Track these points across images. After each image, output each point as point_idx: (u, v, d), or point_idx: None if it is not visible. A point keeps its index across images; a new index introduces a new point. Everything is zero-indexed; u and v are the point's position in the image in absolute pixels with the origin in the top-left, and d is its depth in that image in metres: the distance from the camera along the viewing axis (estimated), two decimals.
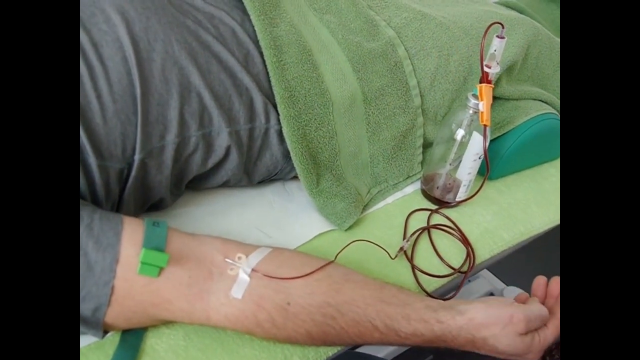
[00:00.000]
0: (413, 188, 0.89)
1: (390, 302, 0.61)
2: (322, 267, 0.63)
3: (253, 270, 0.60)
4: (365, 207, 0.83)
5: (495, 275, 1.55)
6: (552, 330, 0.63)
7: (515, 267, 1.57)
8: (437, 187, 0.85)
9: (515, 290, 1.47)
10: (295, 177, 0.81)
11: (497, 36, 0.73)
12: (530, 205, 0.91)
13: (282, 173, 0.80)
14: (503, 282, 1.53)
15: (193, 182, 0.74)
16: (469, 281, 1.49)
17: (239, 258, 0.61)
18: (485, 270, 1.54)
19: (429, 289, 0.74)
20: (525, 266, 1.53)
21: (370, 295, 0.61)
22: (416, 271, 0.75)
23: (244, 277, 0.59)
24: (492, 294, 1.51)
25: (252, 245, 0.64)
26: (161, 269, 0.56)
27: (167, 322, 0.62)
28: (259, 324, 0.59)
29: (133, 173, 0.64)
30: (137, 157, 0.63)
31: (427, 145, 0.90)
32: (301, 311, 0.59)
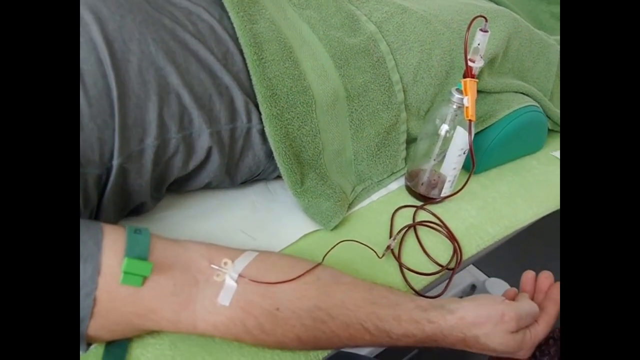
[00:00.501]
0: (397, 184, 0.88)
1: (381, 303, 0.60)
2: (310, 270, 0.61)
3: (240, 275, 0.58)
4: (350, 206, 0.82)
5: (477, 267, 1.56)
6: (542, 327, 0.62)
7: (496, 258, 1.57)
8: (422, 183, 0.85)
9: (497, 282, 1.48)
10: (279, 177, 0.79)
11: (481, 30, 0.73)
12: (515, 198, 0.91)
13: (264, 173, 0.78)
14: (485, 274, 1.54)
15: (174, 185, 0.72)
16: None
17: (225, 263, 0.59)
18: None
19: (417, 286, 0.74)
20: (506, 258, 1.54)
21: (360, 297, 0.60)
22: (404, 269, 0.74)
23: (230, 283, 0.57)
24: (474, 286, 1.52)
25: (237, 249, 0.62)
26: (145, 278, 0.54)
27: (152, 332, 0.60)
28: (247, 331, 0.57)
29: (112, 178, 0.62)
30: (115, 162, 0.61)
31: (410, 141, 0.89)
32: (291, 316, 0.58)
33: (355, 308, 0.59)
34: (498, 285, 1.46)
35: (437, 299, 0.65)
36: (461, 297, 1.51)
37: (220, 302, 0.56)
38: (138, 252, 0.55)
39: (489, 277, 1.53)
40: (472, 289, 1.53)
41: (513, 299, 0.66)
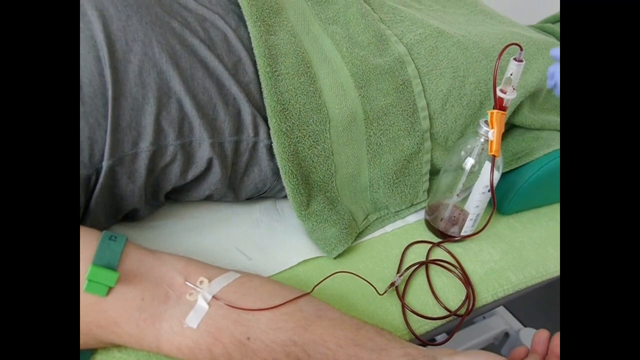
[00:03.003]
0: (416, 217, 0.82)
1: (365, 346, 0.55)
2: (292, 300, 0.57)
3: (214, 297, 0.54)
4: (361, 235, 0.77)
5: (513, 314, 1.45)
6: None
7: (536, 306, 1.47)
8: (442, 219, 0.78)
9: (533, 333, 1.37)
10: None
11: (515, 59, 0.67)
12: (546, 246, 0.83)
13: (272, 191, 0.75)
14: (521, 322, 1.43)
15: (173, 194, 0.69)
16: (484, 318, 1.40)
17: (201, 282, 0.55)
18: (502, 308, 1.45)
19: (420, 331, 0.67)
20: (546, 306, 1.43)
21: (343, 336, 0.55)
22: (406, 311, 0.68)
23: (202, 304, 0.54)
24: (507, 334, 1.41)
25: (220, 268, 0.59)
26: (110, 289, 0.51)
27: (118, 346, 0.56)
28: (214, 358, 0.53)
29: (101, 180, 0.60)
30: (105, 163, 0.59)
31: (435, 172, 0.83)
32: (262, 348, 0.53)
33: (336, 347, 0.54)
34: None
35: (433, 348, 0.58)
36: (492, 343, 1.42)
37: (187, 323, 0.52)
38: (107, 260, 0.52)
39: (525, 326, 1.42)
40: (505, 337, 1.42)
41: (523, 359, 0.59)
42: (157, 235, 0.69)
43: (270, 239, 0.73)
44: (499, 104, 0.68)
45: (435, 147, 0.80)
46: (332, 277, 0.66)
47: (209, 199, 0.72)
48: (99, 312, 0.52)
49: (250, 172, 0.70)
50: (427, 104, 0.78)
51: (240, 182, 0.71)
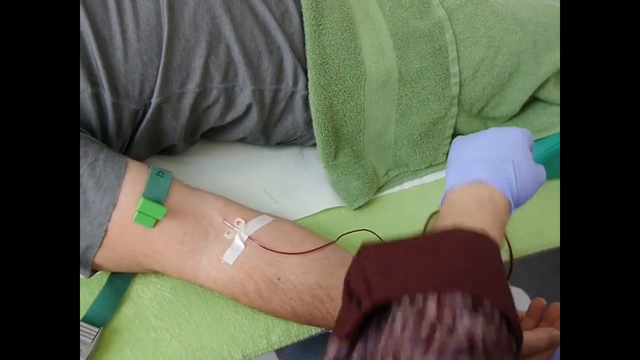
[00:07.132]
0: (433, 178, 0.85)
1: None
2: (320, 248, 0.61)
3: (250, 238, 0.59)
4: (380, 189, 0.80)
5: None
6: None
7: (522, 266, 1.54)
8: None
9: (516, 292, 1.44)
10: (315, 145, 0.78)
11: None
12: (540, 220, 0.85)
13: (301, 139, 0.78)
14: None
15: (209, 133, 0.72)
16: None
17: (238, 222, 0.59)
18: None
19: None
20: (535, 267, 1.50)
21: None
22: None
23: (239, 243, 0.58)
24: None
25: (254, 210, 0.63)
26: (157, 221, 0.55)
27: (156, 272, 0.61)
28: (245, 293, 0.58)
29: (148, 116, 0.63)
30: (154, 100, 0.62)
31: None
32: (290, 288, 0.58)
33: None
34: (517, 297, 1.43)
35: None
36: None
37: (224, 259, 0.57)
38: (156, 194, 0.55)
39: (511, 285, 1.49)
40: None
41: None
42: (189, 170, 0.72)
43: (295, 185, 0.76)
44: None
45: (461, 113, 0.83)
46: (349, 232, 0.70)
47: (241, 140, 0.75)
48: (145, 241, 0.56)
49: (284, 119, 0.73)
50: (460, 71, 0.80)
51: (274, 128, 0.74)
